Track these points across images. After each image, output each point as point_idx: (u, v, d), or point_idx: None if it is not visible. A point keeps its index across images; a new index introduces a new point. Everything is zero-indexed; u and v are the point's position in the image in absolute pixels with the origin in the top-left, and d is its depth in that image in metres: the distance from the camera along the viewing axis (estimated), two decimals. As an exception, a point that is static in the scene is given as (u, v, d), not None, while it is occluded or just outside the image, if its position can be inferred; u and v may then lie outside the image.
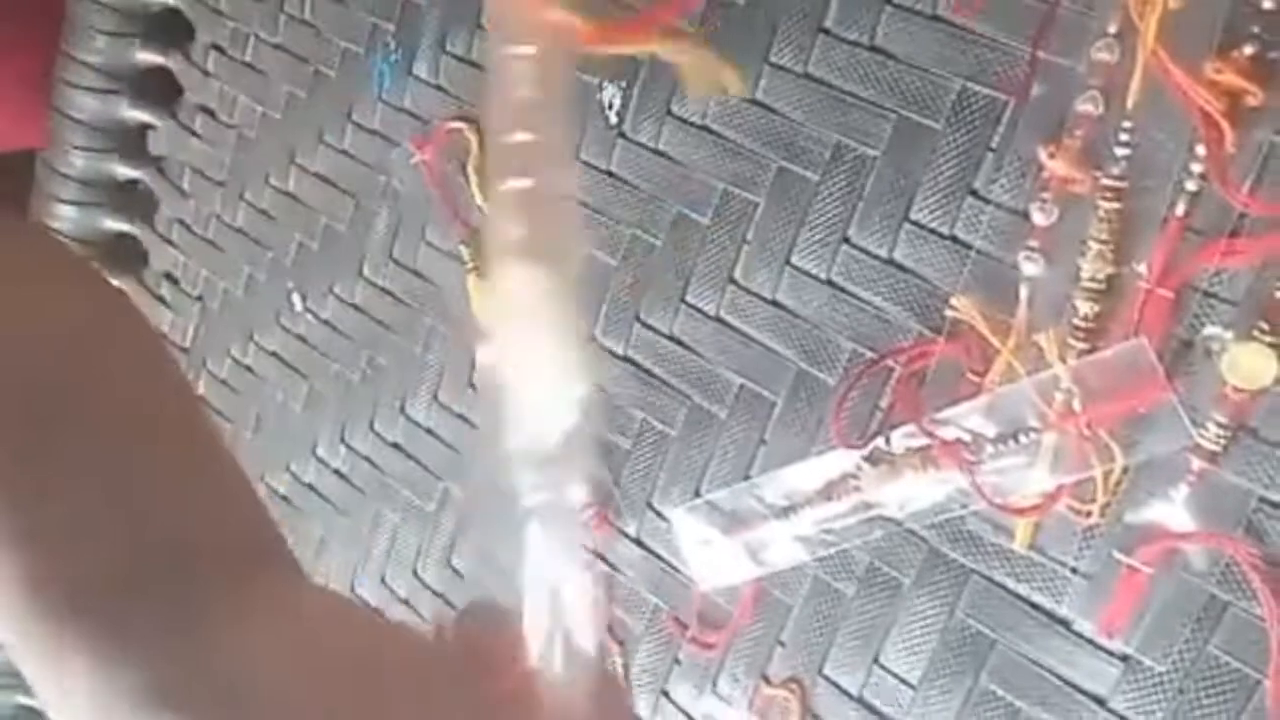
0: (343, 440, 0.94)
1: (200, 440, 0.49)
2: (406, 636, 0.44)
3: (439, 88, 0.85)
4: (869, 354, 0.65)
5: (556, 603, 0.40)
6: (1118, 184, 0.57)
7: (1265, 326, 0.53)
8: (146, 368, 0.49)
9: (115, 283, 1.06)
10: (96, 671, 0.41)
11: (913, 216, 0.64)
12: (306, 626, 0.43)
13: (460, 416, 0.85)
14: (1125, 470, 0.57)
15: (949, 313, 0.62)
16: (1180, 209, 0.56)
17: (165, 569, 0.43)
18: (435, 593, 0.88)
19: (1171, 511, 0.56)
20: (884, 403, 0.65)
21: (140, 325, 0.50)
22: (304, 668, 0.41)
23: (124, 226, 1.09)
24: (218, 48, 1.01)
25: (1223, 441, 0.55)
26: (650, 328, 0.74)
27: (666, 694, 0.74)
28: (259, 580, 0.45)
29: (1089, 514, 0.58)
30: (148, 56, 1.03)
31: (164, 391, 0.49)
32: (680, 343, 0.73)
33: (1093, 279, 0.57)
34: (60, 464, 0.43)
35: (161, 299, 1.08)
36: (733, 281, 0.71)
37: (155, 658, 0.41)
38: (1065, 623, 0.59)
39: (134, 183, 1.08)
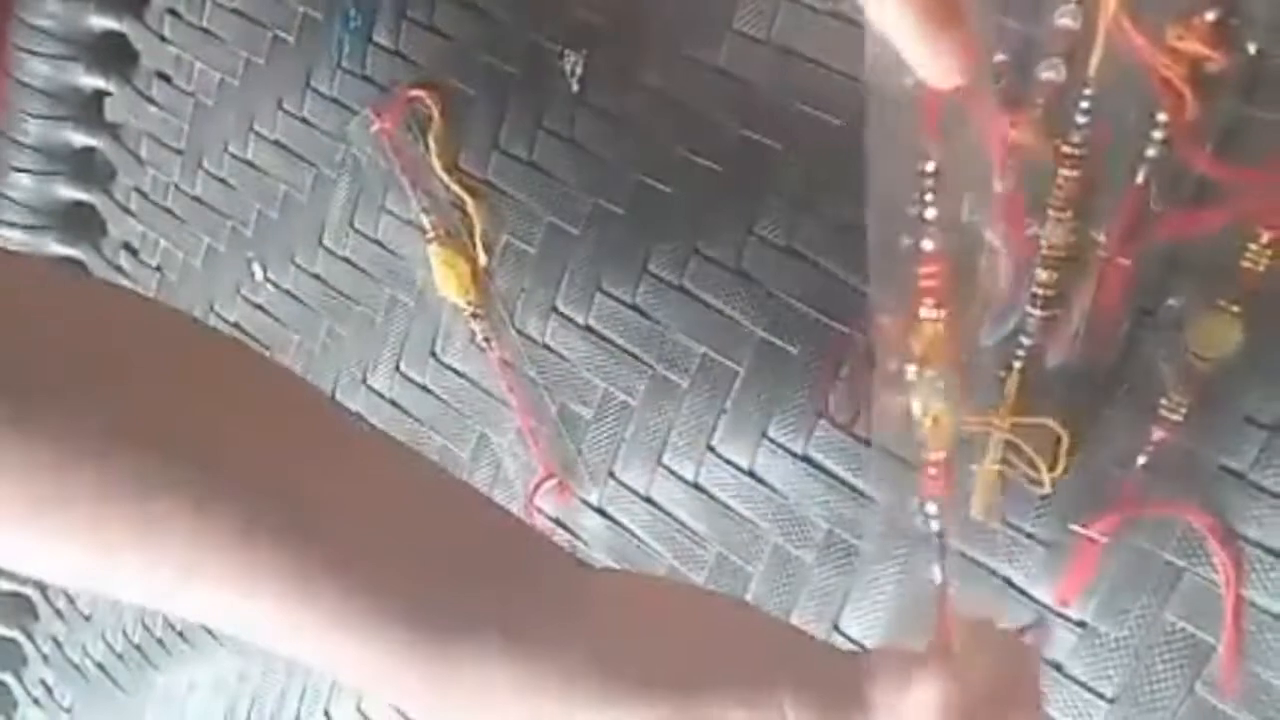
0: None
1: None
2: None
3: (399, 54, 0.84)
4: (831, 323, 0.65)
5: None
6: (1078, 151, 0.57)
7: (1228, 295, 0.53)
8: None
9: (72, 252, 1.07)
10: (516, 675, 0.41)
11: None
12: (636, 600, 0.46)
13: (423, 387, 0.85)
14: (1084, 438, 0.57)
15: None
16: (1141, 177, 0.56)
17: (491, 565, 0.44)
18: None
19: (1131, 479, 0.56)
20: (844, 372, 0.65)
21: None
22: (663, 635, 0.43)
23: (81, 195, 1.08)
24: (173, 12, 0.99)
25: (1183, 410, 0.55)
26: (613, 297, 0.74)
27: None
28: (546, 570, 0.46)
29: (1047, 482, 0.58)
30: (102, 21, 1.02)
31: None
32: (642, 312, 0.73)
33: (1052, 247, 0.57)
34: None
35: (120, 269, 1.07)
36: (696, 251, 0.70)
37: (555, 650, 0.41)
38: (1022, 590, 0.59)
39: (91, 150, 1.06)
